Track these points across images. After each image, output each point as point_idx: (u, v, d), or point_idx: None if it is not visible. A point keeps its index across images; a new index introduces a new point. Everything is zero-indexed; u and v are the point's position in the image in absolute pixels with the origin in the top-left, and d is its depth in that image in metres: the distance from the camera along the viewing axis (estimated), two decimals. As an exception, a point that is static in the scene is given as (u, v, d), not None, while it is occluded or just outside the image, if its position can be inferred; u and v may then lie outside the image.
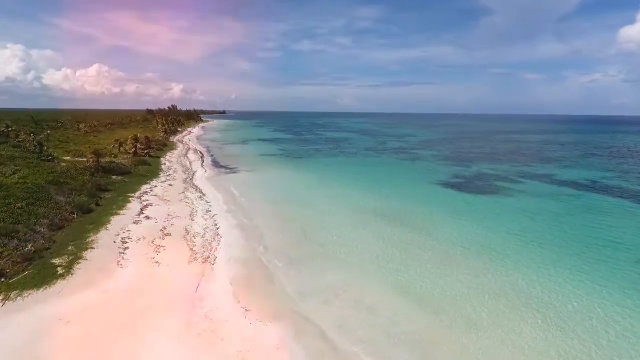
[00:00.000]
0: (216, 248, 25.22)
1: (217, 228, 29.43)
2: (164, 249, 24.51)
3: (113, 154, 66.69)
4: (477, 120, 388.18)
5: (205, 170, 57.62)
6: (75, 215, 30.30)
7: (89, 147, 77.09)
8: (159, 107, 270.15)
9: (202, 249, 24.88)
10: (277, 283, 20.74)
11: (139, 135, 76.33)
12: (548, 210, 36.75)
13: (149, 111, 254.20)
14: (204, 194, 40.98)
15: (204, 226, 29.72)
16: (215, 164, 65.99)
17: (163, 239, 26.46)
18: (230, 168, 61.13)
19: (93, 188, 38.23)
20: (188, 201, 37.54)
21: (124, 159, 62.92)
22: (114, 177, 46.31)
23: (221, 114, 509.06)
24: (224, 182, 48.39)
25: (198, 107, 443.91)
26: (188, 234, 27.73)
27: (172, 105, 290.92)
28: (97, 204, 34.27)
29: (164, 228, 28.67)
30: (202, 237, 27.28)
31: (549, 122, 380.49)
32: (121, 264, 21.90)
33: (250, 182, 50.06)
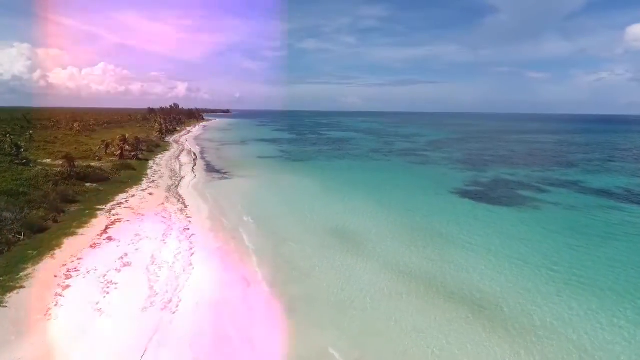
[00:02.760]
0: (184, 286, 19.78)
1: (192, 254, 23.99)
2: (115, 288, 19.10)
3: (97, 156, 61.62)
4: (483, 120, 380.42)
5: (195, 176, 52.28)
6: (22, 237, 24.99)
7: (76, 148, 72.25)
8: (165, 105, 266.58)
9: (166, 287, 19.45)
10: (257, 347, 15.26)
11: (128, 135, 71.27)
12: (586, 231, 30.70)
13: (151, 110, 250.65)
14: (186, 206, 35.62)
15: (176, 251, 24.30)
16: (208, 168, 60.70)
17: (119, 271, 21.07)
18: (223, 173, 55.79)
19: (57, 200, 32.96)
20: (166, 215, 32.17)
21: (108, 162, 57.83)
22: (87, 184, 41.07)
23: (225, 112, 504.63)
24: (213, 191, 43.00)
25: (203, 106, 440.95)
26: (153, 263, 22.32)
27: (174, 104, 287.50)
28: (55, 221, 28.96)
29: (125, 255, 23.27)
30: (170, 267, 21.86)
31: (557, 121, 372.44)
32: (51, 314, 16.51)
33: (243, 190, 44.66)
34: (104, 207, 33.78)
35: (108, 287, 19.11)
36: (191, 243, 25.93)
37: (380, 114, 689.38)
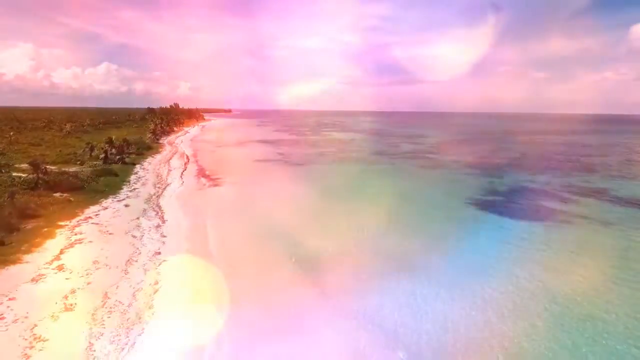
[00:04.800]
0: (133, 343, 15.09)
1: (155, 291, 19.31)
2: (42, 348, 14.44)
3: (79, 160, 57.12)
4: (487, 119, 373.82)
5: (183, 182, 47.62)
6: (-50, 267, 20.38)
7: (60, 150, 67.85)
8: (167, 105, 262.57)
9: (109, 347, 14.77)
10: None
11: (114, 137, 66.83)
12: (633, 258, 25.79)
13: (150, 110, 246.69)
14: (164, 222, 30.98)
15: (137, 286, 19.62)
16: (199, 172, 55.99)
17: (57, 318, 16.41)
18: (214, 179, 51.06)
19: (12, 215, 28.33)
20: (137, 234, 27.51)
21: (90, 166, 53.29)
22: (57, 194, 36.48)
23: (227, 112, 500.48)
24: (200, 201, 38.42)
25: (205, 106, 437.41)
26: (104, 305, 17.64)
27: (174, 104, 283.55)
28: (2, 243, 24.27)
29: (72, 292, 18.61)
30: (123, 313, 17.17)
31: (562, 121, 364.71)
32: None
33: (233, 201, 40.02)
34: (67, 223, 29.14)
35: (32, 347, 14.45)
36: (158, 274, 21.25)
37: (383, 113, 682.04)
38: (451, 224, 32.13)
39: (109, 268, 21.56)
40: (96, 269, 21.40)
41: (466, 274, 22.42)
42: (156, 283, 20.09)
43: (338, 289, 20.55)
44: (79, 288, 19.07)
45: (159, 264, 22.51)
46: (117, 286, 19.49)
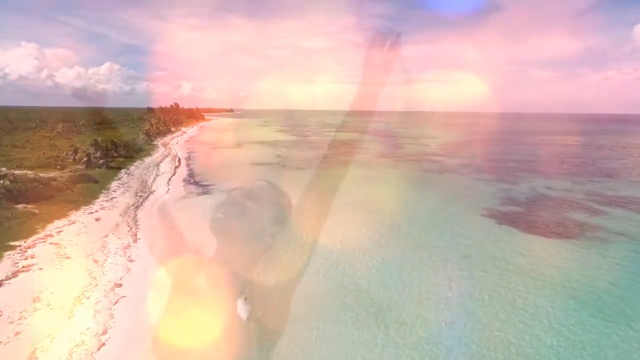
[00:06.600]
0: None
1: (101, 345, 14.98)
2: None
3: (60, 164, 52.98)
4: (491, 119, 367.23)
5: (169, 189, 43.38)
6: None
7: (43, 153, 63.69)
8: (170, 104, 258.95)
9: None
10: None
11: (100, 139, 62.63)
12: None
13: (150, 109, 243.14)
14: (136, 240, 26.70)
15: (78, 338, 15.32)
16: (189, 178, 51.67)
17: (-47, 395, 12.13)
18: (204, 185, 46.74)
19: (-46, 234, 24.14)
20: (99, 258, 23.24)
21: (70, 171, 49.11)
22: (20, 206, 32.25)
23: (228, 112, 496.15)
24: (183, 214, 34.16)
25: (208, 105, 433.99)
26: (25, 370, 13.35)
27: (174, 104, 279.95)
28: None
29: (-10, 349, 14.33)
30: (49, 383, 12.89)
31: (567, 120, 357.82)
32: None
33: (221, 212, 35.59)
34: (21, 242, 24.91)
35: None
36: (111, 317, 16.94)
37: (386, 113, 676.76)
38: (464, 247, 27.56)
39: (51, 309, 17.28)
40: (34, 310, 17.13)
41: (484, 322, 18.02)
42: (104, 332, 15.78)
43: (322, 339, 16.24)
44: (1, 342, 14.78)
45: (115, 302, 18.20)
46: (53, 338, 15.19)
